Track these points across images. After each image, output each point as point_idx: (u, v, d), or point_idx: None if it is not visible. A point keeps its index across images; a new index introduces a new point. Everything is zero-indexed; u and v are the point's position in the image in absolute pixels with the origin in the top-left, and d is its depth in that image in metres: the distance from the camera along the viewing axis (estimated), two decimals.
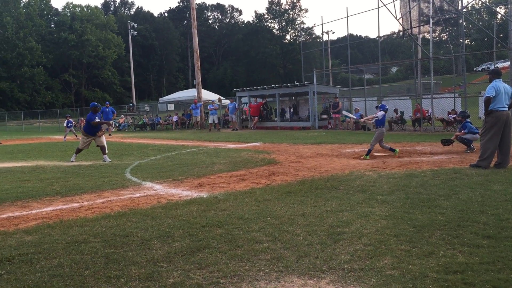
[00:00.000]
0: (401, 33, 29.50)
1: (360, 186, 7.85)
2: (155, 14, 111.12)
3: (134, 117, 42.46)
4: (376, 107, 14.55)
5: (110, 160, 13.78)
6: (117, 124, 36.19)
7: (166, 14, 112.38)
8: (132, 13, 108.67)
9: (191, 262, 4.47)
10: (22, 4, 79.47)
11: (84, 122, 41.59)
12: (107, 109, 30.18)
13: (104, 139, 14.28)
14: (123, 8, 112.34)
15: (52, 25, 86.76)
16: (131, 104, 54.40)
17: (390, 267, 4.10)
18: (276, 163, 11.79)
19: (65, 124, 28.82)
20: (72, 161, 13.84)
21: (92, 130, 14.15)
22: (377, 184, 7.97)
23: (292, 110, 30.07)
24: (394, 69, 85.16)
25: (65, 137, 27.49)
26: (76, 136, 27.54)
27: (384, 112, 12.02)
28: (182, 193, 8.14)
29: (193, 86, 44.70)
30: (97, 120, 14.19)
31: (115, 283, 4.01)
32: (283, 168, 10.73)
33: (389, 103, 26.24)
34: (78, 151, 14.27)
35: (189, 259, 4.56)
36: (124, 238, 5.35)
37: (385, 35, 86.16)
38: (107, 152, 14.21)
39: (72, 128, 28.47)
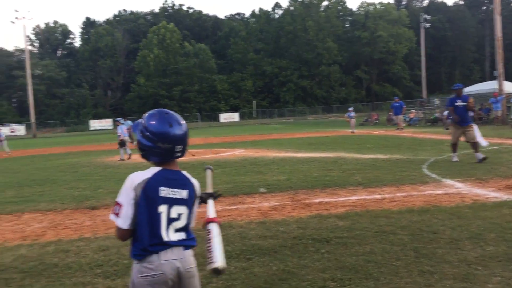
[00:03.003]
0: None
1: None
2: (449, 4, 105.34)
3: (425, 111, 41.42)
4: None
5: (482, 157, 11.39)
6: (408, 119, 35.99)
7: (461, 2, 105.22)
8: (424, 5, 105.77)
9: (510, 269, 4.13)
10: (321, 8, 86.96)
11: (376, 117, 42.31)
12: (396, 104, 30.40)
13: (476, 133, 11.79)
14: (415, 0, 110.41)
15: (347, 25, 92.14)
16: (421, 99, 53.30)
17: None
18: None
19: None
20: (455, 160, 11.84)
21: (461, 120, 12.00)
22: None
23: None
24: None
25: None
26: None
27: None
28: (489, 194, 7.56)
29: (492, 78, 40.69)
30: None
31: (429, 278, 4.05)
32: None
33: None
34: (453, 146, 12.16)
35: (507, 266, 4.23)
36: (432, 234, 5.33)
37: None
38: (479, 149, 11.70)
39: None
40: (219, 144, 23.10)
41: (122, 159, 16.83)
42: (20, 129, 63.64)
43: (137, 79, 78.62)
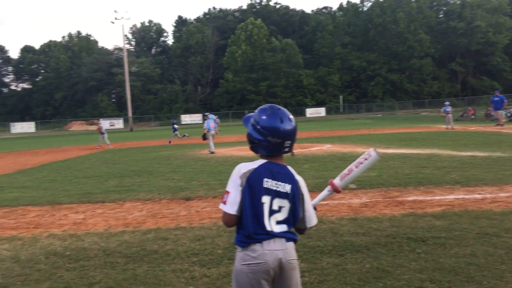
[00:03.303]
0: None
1: None
2: None
3: None
4: None
5: None
6: (509, 114, 33.51)
7: None
8: None
9: None
10: None
11: (473, 112, 39.88)
12: (496, 98, 28.39)
13: None
14: None
15: (441, 15, 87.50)
16: None
17: None
18: None
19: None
20: None
21: None
22: None
23: None
24: None
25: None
26: None
27: None
28: None
29: None
30: None
31: None
32: None
33: None
34: None
35: None
36: None
37: None
38: None
39: None
40: (306, 139, 23.03)
41: (213, 152, 17.37)
42: (118, 123, 68.07)
43: (225, 74, 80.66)
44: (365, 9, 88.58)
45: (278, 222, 2.43)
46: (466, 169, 10.09)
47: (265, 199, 2.41)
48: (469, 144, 16.11)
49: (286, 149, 2.49)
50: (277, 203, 2.43)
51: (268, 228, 2.39)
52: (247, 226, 2.39)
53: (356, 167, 2.69)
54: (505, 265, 4.24)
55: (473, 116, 39.34)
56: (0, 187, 11.03)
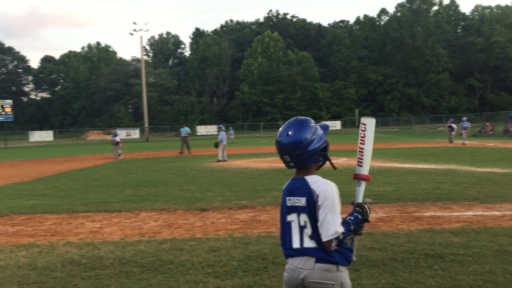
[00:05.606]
0: None
1: None
2: None
3: None
4: None
5: None
6: None
7: None
8: None
9: None
10: (431, 13, 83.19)
11: (491, 127, 39.35)
12: None
13: None
14: None
15: (459, 30, 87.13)
16: None
17: None
18: None
19: None
20: None
21: None
22: None
23: None
24: None
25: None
26: None
27: None
28: None
29: None
30: None
31: None
32: None
33: None
34: None
35: None
36: None
37: None
38: None
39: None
40: None
41: (219, 160, 19.21)
42: (135, 133, 68.62)
43: (241, 86, 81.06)
44: (382, 23, 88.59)
45: (311, 237, 2.33)
46: (485, 186, 9.95)
47: (292, 217, 2.40)
48: (488, 160, 15.89)
49: (291, 164, 2.40)
50: (302, 218, 2.36)
51: (296, 245, 2.36)
52: (282, 242, 2.49)
53: (362, 143, 2.61)
54: None
55: (491, 132, 38.87)
56: (18, 195, 11.19)
